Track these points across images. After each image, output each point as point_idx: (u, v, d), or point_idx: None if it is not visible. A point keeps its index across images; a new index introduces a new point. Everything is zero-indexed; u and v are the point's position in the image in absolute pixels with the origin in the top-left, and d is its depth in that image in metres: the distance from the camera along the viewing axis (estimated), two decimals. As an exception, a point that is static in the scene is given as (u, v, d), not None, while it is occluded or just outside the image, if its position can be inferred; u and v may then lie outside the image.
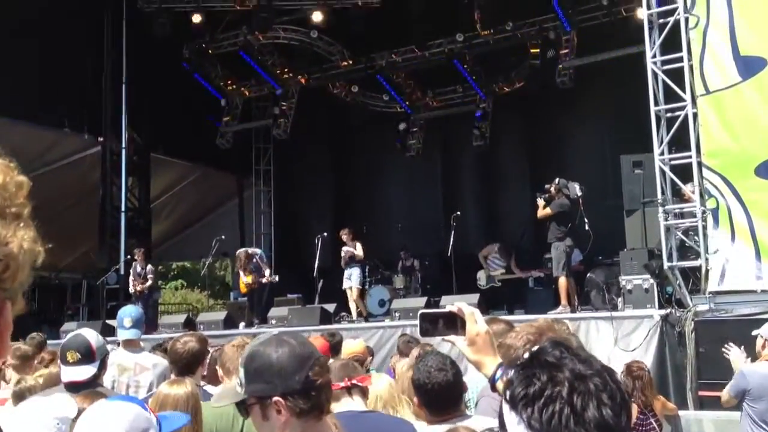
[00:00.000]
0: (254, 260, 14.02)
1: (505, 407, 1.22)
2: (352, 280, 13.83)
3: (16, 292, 0.89)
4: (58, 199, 17.59)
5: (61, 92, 15.54)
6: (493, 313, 10.58)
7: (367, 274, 14.74)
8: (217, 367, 4.14)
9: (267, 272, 13.98)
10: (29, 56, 14.87)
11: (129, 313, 5.68)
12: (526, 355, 1.27)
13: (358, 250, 13.90)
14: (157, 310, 15.99)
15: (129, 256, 16.49)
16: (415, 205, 19.02)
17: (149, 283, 14.65)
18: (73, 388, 3.81)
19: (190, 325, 12.61)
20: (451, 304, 2.08)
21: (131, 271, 14.78)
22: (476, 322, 1.98)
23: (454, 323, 2.00)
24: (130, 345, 5.55)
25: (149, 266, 14.90)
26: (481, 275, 14.38)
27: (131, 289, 14.55)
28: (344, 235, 14.12)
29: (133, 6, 17.09)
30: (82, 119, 16.52)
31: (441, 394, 3.01)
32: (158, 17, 16.86)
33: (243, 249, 14.70)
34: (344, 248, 14.06)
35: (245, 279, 13.96)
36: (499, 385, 1.90)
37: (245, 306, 14.28)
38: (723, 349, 6.19)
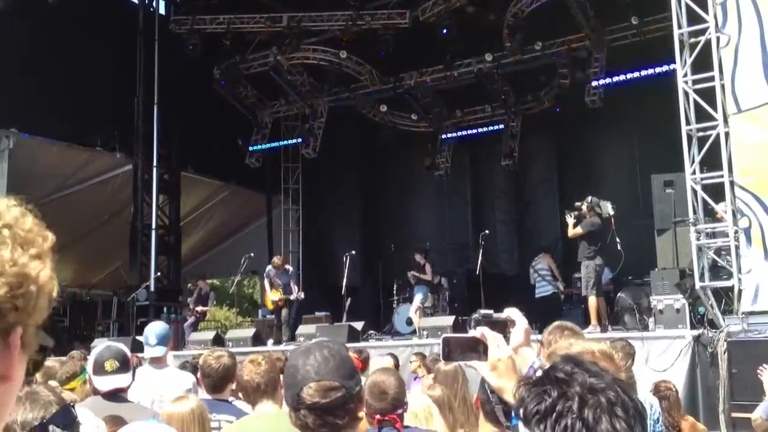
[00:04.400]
0: (288, 272, 14.35)
1: (520, 425, 1.22)
2: (415, 299, 14.39)
3: (27, 321, 0.92)
4: (90, 217, 17.86)
5: (94, 112, 15.81)
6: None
7: (427, 294, 14.82)
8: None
9: (295, 289, 14.15)
10: (64, 78, 15.17)
11: (154, 330, 5.67)
12: (539, 373, 1.27)
13: (426, 273, 14.55)
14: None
15: (159, 273, 16.73)
16: (443, 224, 19.02)
17: (209, 306, 16.22)
18: (114, 397, 3.83)
19: (218, 341, 12.66)
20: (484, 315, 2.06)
21: (195, 292, 16.11)
22: (499, 347, 1.97)
23: (477, 348, 1.98)
24: (156, 362, 5.59)
25: (212, 292, 16.38)
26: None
27: (191, 306, 15.81)
28: (418, 256, 14.69)
29: (164, 28, 17.41)
30: (114, 138, 16.76)
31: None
32: (189, 39, 17.15)
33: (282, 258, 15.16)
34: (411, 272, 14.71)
35: (272, 296, 14.10)
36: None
37: (273, 323, 14.35)
38: (758, 371, 6.09)
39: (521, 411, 1.22)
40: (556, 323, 3.42)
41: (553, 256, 15.51)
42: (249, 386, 3.50)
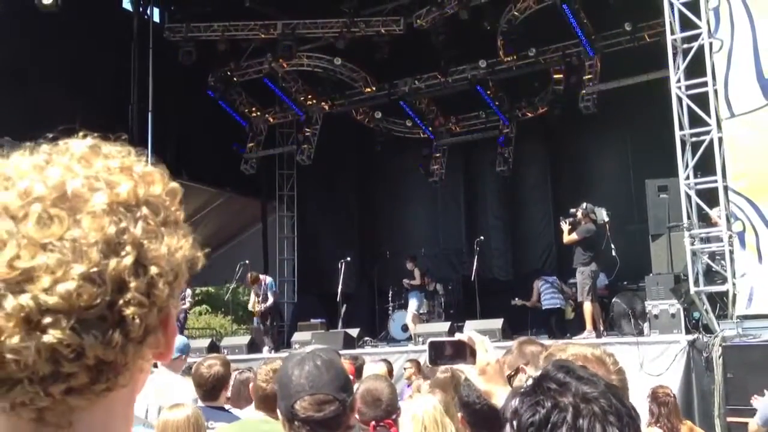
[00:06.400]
0: (262, 285, 14.18)
1: None
2: (410, 305, 14.39)
3: (177, 298, 0.89)
4: (84, 225, 17.79)
5: (88, 120, 15.79)
6: (516, 338, 10.47)
7: (423, 299, 14.75)
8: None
9: (270, 300, 14.10)
10: (58, 86, 15.15)
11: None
12: (530, 382, 1.27)
13: (415, 279, 14.55)
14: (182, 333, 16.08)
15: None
16: (438, 230, 19.03)
17: (185, 305, 15.11)
18: None
19: (214, 349, 12.63)
20: (462, 331, 2.06)
21: None
22: (486, 351, 1.96)
23: (464, 352, 1.97)
24: (173, 366, 5.61)
25: (188, 290, 15.35)
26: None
27: None
28: (408, 264, 14.73)
29: (159, 35, 17.41)
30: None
31: (491, 415, 3.04)
32: (184, 46, 17.15)
33: (255, 273, 14.81)
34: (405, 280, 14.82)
35: (250, 307, 14.35)
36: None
37: (260, 330, 14.39)
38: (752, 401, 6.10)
39: (515, 422, 1.22)
40: (524, 339, 3.44)
41: (547, 262, 15.52)
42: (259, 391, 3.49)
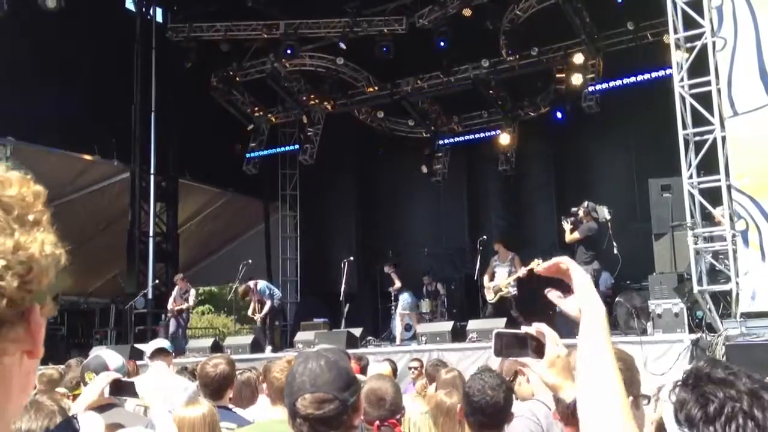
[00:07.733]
0: (256, 291, 14.20)
1: (675, 429, 1.24)
2: (399, 306, 14.48)
3: (44, 295, 0.90)
4: (87, 225, 17.83)
5: (91, 120, 15.82)
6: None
7: (412, 300, 14.74)
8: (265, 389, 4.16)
9: (267, 305, 14.09)
10: (61, 86, 15.18)
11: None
12: (683, 376, 1.29)
13: (395, 283, 14.64)
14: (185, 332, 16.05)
15: (157, 281, 16.68)
16: (440, 230, 19.03)
17: (189, 303, 15.06)
18: (105, 406, 3.84)
19: (217, 349, 12.64)
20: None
21: (173, 293, 14.98)
22: (557, 344, 1.96)
23: (528, 345, 1.96)
24: (161, 355, 5.61)
25: (192, 290, 15.28)
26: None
27: (170, 306, 14.81)
28: (386, 268, 14.86)
29: (161, 36, 17.44)
30: (112, 146, 16.78)
31: (488, 411, 3.07)
32: (186, 46, 17.17)
33: (246, 283, 14.74)
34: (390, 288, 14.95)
35: (250, 311, 14.48)
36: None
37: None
38: None
39: (682, 414, 1.24)
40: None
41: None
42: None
